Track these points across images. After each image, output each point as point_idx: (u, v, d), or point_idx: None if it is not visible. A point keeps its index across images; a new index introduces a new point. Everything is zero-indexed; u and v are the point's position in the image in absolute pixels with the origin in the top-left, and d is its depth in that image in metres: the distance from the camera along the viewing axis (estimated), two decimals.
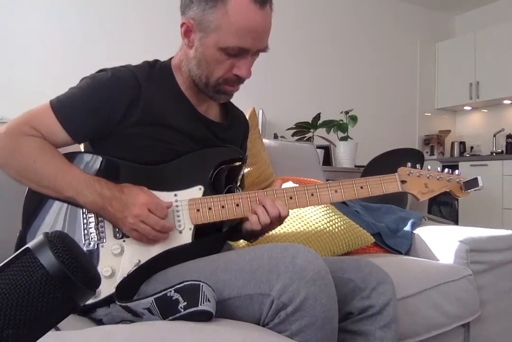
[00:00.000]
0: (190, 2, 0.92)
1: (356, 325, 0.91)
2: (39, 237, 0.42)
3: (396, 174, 1.03)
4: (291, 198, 0.98)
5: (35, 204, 0.93)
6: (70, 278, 0.40)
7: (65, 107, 0.94)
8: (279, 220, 0.95)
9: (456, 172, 1.05)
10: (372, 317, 0.91)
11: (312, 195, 0.99)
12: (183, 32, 0.95)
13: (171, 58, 1.06)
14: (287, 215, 0.96)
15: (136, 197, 0.89)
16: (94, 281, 0.43)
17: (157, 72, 1.01)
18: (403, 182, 1.02)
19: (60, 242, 0.41)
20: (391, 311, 0.92)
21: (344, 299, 0.91)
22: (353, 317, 0.92)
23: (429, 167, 1.05)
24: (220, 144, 1.05)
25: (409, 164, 1.04)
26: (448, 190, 1.04)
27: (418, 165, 1.04)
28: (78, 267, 0.41)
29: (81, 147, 1.09)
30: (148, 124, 0.96)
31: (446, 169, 1.05)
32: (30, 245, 0.41)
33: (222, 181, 1.06)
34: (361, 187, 1.00)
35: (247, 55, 0.94)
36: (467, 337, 1.37)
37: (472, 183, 1.01)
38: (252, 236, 1.04)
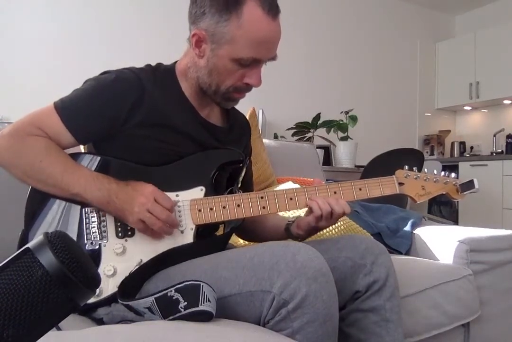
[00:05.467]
0: (202, 14, 0.92)
1: (366, 302, 0.94)
2: (39, 237, 0.42)
3: (394, 176, 1.04)
4: (291, 199, 0.99)
5: (37, 204, 0.94)
6: (70, 278, 0.40)
7: (69, 109, 0.94)
8: (336, 216, 0.97)
9: (453, 174, 1.07)
10: (379, 291, 0.93)
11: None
12: (194, 43, 0.95)
13: (175, 63, 1.06)
14: (349, 212, 0.98)
15: (142, 187, 0.91)
16: (94, 280, 0.43)
17: (160, 75, 1.01)
18: (400, 184, 1.04)
19: (60, 241, 0.41)
20: (392, 281, 0.95)
21: (349, 279, 0.93)
22: (361, 295, 0.94)
23: (425, 170, 1.06)
24: (222, 146, 1.06)
25: (406, 167, 1.06)
26: (444, 192, 1.06)
27: (415, 168, 1.06)
28: (78, 267, 0.41)
29: (82, 148, 1.09)
30: (151, 125, 0.96)
31: (443, 172, 1.07)
32: (30, 245, 0.41)
33: (224, 182, 1.07)
34: (360, 189, 1.02)
35: (259, 65, 0.96)
36: (467, 337, 1.38)
37: (468, 185, 1.03)
38: (307, 233, 1.03)
